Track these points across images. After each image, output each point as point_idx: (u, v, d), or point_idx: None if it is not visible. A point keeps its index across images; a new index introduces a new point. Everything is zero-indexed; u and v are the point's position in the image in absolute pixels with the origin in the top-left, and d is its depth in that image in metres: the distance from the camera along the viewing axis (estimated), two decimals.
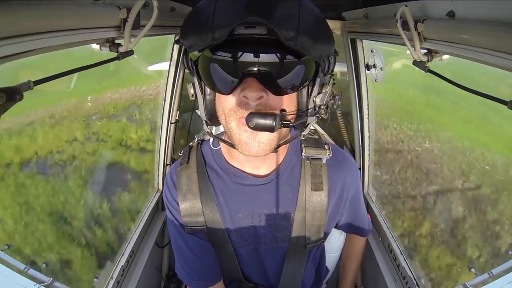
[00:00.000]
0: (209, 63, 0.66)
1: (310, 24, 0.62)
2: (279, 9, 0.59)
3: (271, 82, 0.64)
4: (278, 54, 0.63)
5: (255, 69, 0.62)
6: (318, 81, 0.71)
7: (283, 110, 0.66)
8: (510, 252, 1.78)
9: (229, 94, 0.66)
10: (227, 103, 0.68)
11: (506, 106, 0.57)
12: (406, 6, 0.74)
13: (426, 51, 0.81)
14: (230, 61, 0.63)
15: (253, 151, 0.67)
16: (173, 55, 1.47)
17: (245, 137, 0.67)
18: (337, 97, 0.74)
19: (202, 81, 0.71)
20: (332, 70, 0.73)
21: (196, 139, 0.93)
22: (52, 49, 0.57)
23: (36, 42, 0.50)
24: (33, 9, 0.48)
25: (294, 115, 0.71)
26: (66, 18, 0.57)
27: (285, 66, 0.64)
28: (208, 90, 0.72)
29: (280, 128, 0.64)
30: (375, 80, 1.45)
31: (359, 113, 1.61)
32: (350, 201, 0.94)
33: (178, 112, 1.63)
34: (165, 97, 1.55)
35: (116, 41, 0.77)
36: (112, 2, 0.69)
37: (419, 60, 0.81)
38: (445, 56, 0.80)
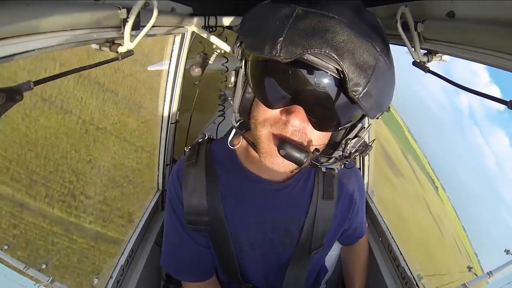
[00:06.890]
0: (264, 71, 0.62)
1: (382, 80, 0.57)
2: (357, 52, 0.53)
3: (318, 115, 0.61)
4: (336, 93, 0.57)
5: (308, 96, 0.58)
6: (359, 125, 0.68)
7: (317, 150, 0.63)
8: (510, 252, 1.78)
9: (273, 109, 0.63)
10: (264, 113, 0.65)
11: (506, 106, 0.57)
12: (406, 6, 0.74)
13: (426, 51, 0.81)
14: (287, 78, 0.58)
15: (275, 165, 0.65)
16: (172, 55, 1.46)
17: (272, 150, 0.64)
18: (369, 145, 0.71)
19: (247, 80, 0.67)
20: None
21: (206, 136, 0.91)
22: (52, 49, 0.57)
23: (36, 42, 0.50)
24: (33, 9, 0.48)
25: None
26: (66, 18, 0.56)
27: (337, 105, 0.59)
28: (249, 88, 0.68)
29: (308, 165, 0.64)
30: None
31: None
32: (355, 204, 0.95)
33: (178, 112, 1.62)
34: (164, 97, 1.54)
35: (116, 41, 0.77)
36: (112, 2, 0.69)
37: (419, 61, 0.81)
38: (445, 57, 0.80)
